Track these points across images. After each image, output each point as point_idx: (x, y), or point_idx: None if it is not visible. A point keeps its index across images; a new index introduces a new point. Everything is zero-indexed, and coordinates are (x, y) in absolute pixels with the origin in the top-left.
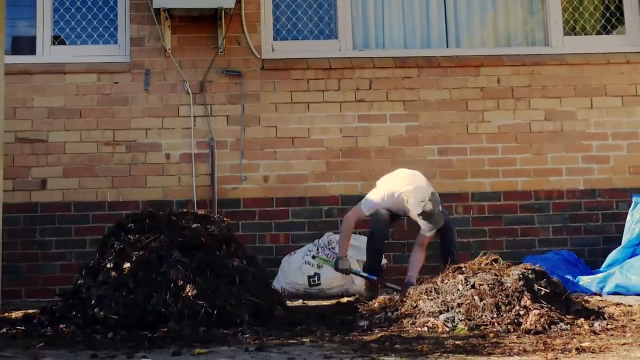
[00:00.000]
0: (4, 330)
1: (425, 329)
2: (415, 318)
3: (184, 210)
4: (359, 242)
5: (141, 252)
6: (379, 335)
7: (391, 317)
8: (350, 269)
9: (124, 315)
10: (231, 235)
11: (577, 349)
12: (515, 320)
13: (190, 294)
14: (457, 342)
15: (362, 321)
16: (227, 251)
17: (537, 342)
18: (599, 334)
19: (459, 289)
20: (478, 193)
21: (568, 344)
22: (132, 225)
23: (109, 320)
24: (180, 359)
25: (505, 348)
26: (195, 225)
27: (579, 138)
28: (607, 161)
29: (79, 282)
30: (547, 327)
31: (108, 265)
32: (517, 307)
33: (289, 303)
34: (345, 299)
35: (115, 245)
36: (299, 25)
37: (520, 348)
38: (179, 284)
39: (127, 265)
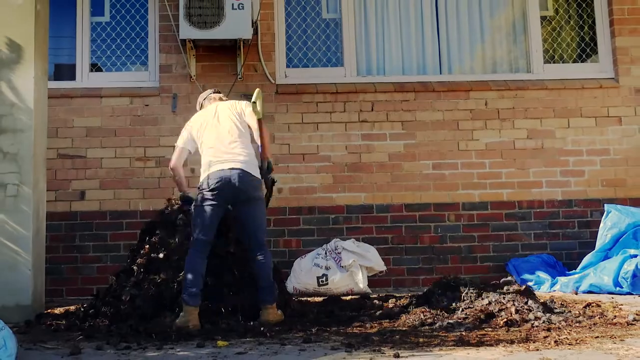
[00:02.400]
0: (48, 324)
1: (420, 323)
2: (413, 314)
3: None
4: (363, 249)
5: (167, 255)
6: (380, 328)
7: (391, 312)
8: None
9: (154, 311)
10: None
11: (555, 341)
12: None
13: (213, 294)
14: (450, 335)
15: (365, 316)
16: (246, 256)
17: (521, 335)
18: (574, 328)
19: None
20: (468, 203)
21: (547, 337)
22: (159, 231)
23: (140, 316)
24: (204, 350)
25: (492, 340)
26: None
27: (557, 154)
28: (582, 175)
29: (113, 282)
30: (530, 322)
31: (137, 269)
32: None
33: (303, 300)
34: (349, 297)
35: (146, 250)
36: (309, 55)
37: (506, 340)
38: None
39: (156, 268)
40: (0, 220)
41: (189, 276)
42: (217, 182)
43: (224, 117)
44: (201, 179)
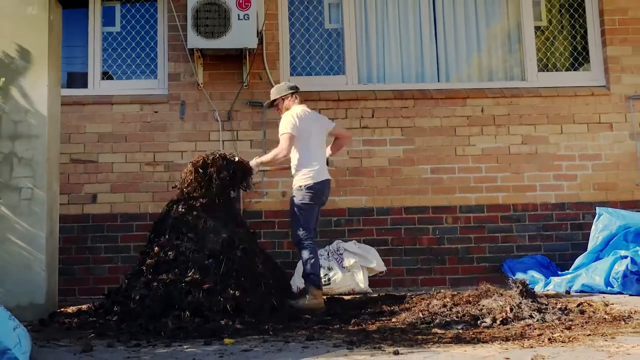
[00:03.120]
0: (61, 322)
1: (418, 321)
2: (412, 313)
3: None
4: (364, 250)
5: (175, 256)
6: (380, 326)
7: (391, 311)
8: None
9: (163, 310)
10: (256, 244)
11: (549, 339)
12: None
13: (221, 293)
14: (447, 332)
15: (366, 315)
16: (251, 259)
17: (516, 333)
18: (567, 326)
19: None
20: (465, 206)
21: (542, 335)
22: (168, 234)
23: (150, 314)
24: (212, 348)
25: (488, 338)
26: (225, 235)
27: (550, 159)
28: (574, 179)
29: (124, 282)
30: (524, 320)
31: (147, 269)
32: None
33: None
34: (351, 296)
35: (155, 251)
36: (312, 63)
37: (501, 337)
38: (211, 286)
39: (165, 269)
40: (15, 223)
41: (313, 263)
42: (325, 188)
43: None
44: (309, 179)
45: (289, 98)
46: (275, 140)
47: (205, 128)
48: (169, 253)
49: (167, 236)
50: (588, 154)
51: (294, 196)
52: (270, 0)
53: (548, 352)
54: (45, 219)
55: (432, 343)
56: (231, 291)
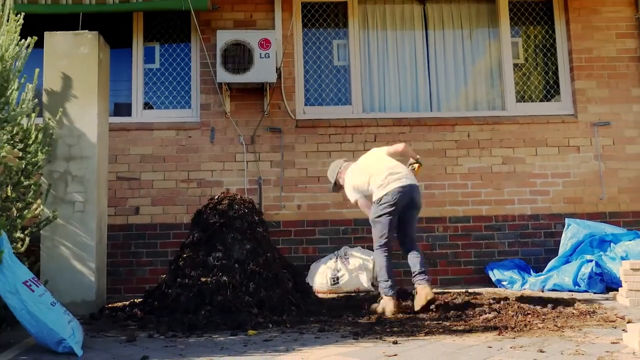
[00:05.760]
0: (108, 316)
1: (414, 316)
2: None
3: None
4: (367, 255)
5: (205, 260)
6: (381, 320)
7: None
8: None
9: (195, 306)
10: (277, 253)
11: (526, 330)
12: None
13: (245, 292)
14: (439, 325)
15: (369, 311)
16: (272, 264)
17: (497, 325)
18: (541, 320)
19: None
20: (454, 217)
21: (519, 326)
22: (203, 241)
23: (184, 310)
24: (237, 338)
25: (474, 330)
26: (249, 246)
27: (527, 177)
28: (547, 194)
29: (162, 282)
30: (505, 315)
31: (182, 271)
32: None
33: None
34: (355, 294)
35: (186, 255)
36: (323, 95)
37: (485, 329)
38: (237, 285)
39: (197, 270)
40: (70, 232)
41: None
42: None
43: None
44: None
45: (342, 170)
46: (290, 160)
47: (232, 150)
48: (201, 258)
49: (198, 236)
50: (559, 173)
51: None
52: (287, 41)
53: (525, 342)
54: (95, 228)
55: (425, 334)
56: (253, 288)
